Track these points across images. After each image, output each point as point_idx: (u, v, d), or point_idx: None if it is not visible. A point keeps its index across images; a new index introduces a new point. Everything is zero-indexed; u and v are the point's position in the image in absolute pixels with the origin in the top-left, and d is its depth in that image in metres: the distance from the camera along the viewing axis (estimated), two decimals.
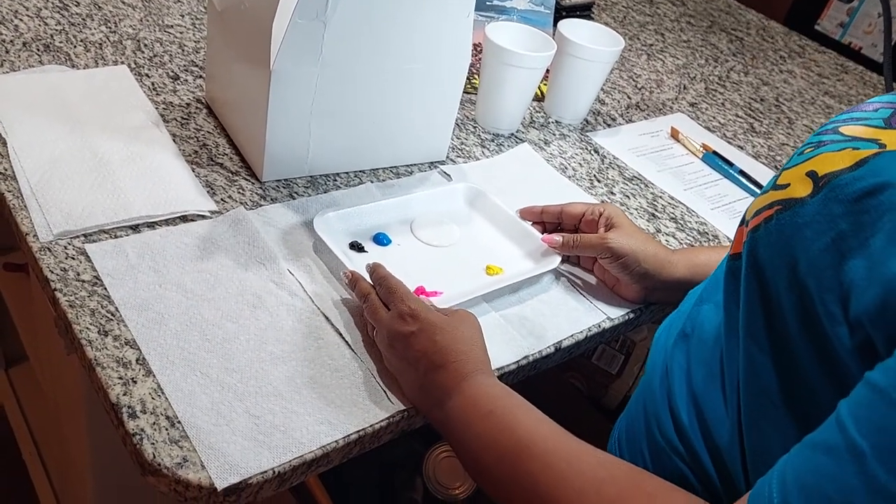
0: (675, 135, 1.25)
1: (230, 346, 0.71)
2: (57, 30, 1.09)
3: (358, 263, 0.82)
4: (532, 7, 1.31)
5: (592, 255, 0.87)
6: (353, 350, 0.74)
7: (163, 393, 0.66)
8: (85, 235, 0.78)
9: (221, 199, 0.88)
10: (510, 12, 1.29)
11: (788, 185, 0.56)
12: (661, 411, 0.66)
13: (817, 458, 0.46)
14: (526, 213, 0.93)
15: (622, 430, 0.73)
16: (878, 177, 0.50)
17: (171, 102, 1.01)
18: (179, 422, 0.64)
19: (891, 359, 0.44)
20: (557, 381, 1.29)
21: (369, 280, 0.76)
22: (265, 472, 0.62)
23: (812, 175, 0.54)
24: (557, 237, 0.88)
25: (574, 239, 0.87)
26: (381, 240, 0.88)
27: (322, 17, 0.81)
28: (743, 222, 0.62)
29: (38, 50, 1.04)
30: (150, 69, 1.06)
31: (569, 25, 1.14)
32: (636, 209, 1.05)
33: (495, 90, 1.09)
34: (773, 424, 0.55)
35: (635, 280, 0.85)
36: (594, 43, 1.12)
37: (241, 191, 0.90)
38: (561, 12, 1.42)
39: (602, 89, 1.33)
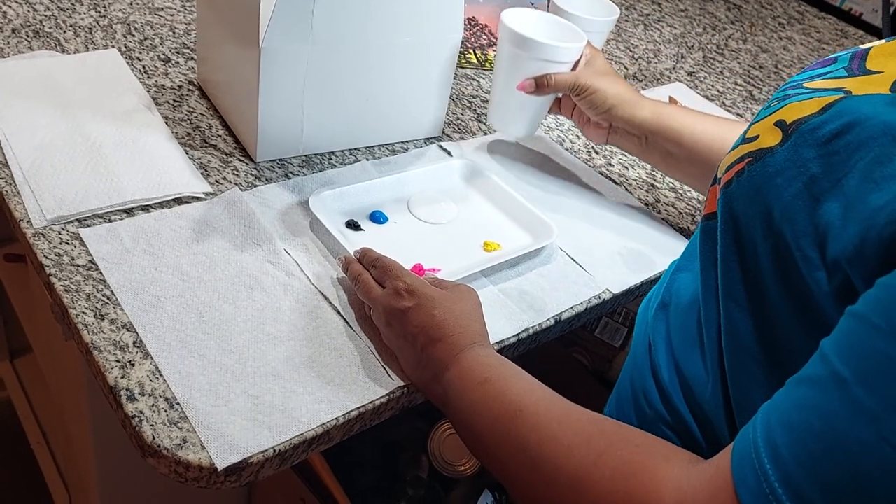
0: (673, 104, 1.23)
1: (227, 328, 0.71)
2: (46, 15, 1.08)
3: (354, 242, 0.82)
4: None
5: (564, 91, 0.91)
6: (351, 328, 0.74)
7: (161, 375, 0.65)
8: (79, 220, 0.78)
9: (216, 181, 0.87)
10: None
11: (757, 136, 0.56)
12: (647, 383, 0.66)
13: (800, 392, 0.46)
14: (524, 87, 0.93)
15: (612, 408, 0.73)
16: (844, 117, 0.50)
17: (162, 85, 1.00)
18: (178, 403, 0.63)
19: (872, 289, 0.44)
20: (561, 356, 1.29)
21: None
22: (265, 451, 0.62)
23: (780, 124, 0.54)
24: (529, 80, 0.91)
25: (547, 79, 0.90)
26: (377, 218, 0.87)
27: None
28: (715, 181, 0.61)
29: (28, 36, 1.03)
30: (140, 52, 1.05)
31: None
32: (635, 180, 1.04)
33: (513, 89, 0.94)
34: (756, 381, 0.55)
35: (601, 116, 0.90)
36: (589, 13, 1.10)
37: (235, 172, 0.89)
38: None
39: None
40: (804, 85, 0.58)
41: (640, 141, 0.91)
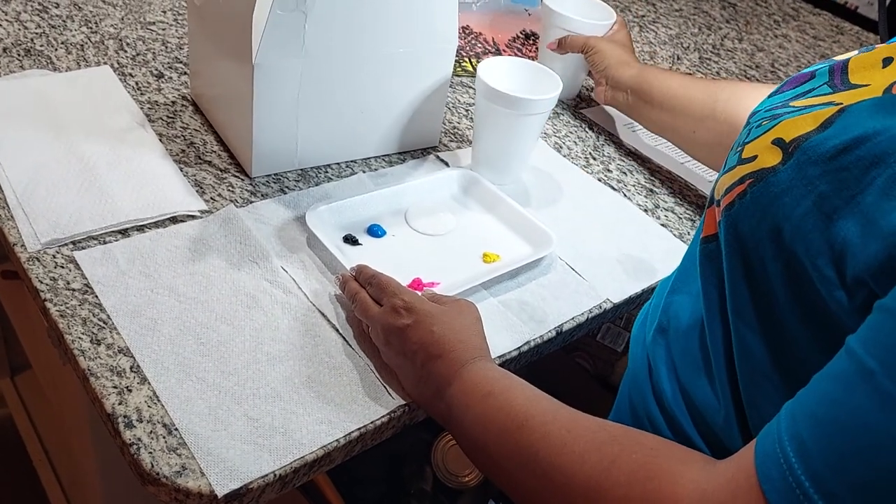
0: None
1: (225, 349, 0.70)
2: (37, 33, 1.07)
3: (352, 257, 0.81)
4: None
5: (576, 51, 1.08)
6: (350, 346, 0.73)
7: (159, 400, 0.65)
8: (73, 243, 0.77)
9: (211, 198, 0.86)
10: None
11: (755, 156, 0.55)
12: (650, 408, 0.65)
13: (826, 387, 0.45)
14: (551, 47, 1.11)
15: None
16: (850, 132, 0.49)
17: (156, 101, 0.99)
18: (177, 429, 0.63)
19: None
20: (564, 361, 1.28)
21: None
22: (266, 475, 0.61)
23: (779, 142, 0.53)
24: (554, 42, 1.10)
25: (564, 39, 1.09)
26: (375, 231, 0.86)
27: (302, 7, 0.80)
28: (712, 202, 0.60)
29: (19, 55, 1.02)
30: (133, 68, 1.04)
31: None
32: (633, 185, 1.03)
33: (497, 139, 0.94)
34: (774, 404, 0.54)
35: (599, 75, 1.07)
36: (583, 16, 1.10)
37: (230, 188, 0.88)
38: None
39: None
40: (791, 104, 0.57)
41: (625, 97, 1.03)
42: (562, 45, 1.09)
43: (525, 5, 1.24)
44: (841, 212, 0.48)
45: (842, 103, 0.51)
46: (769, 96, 0.63)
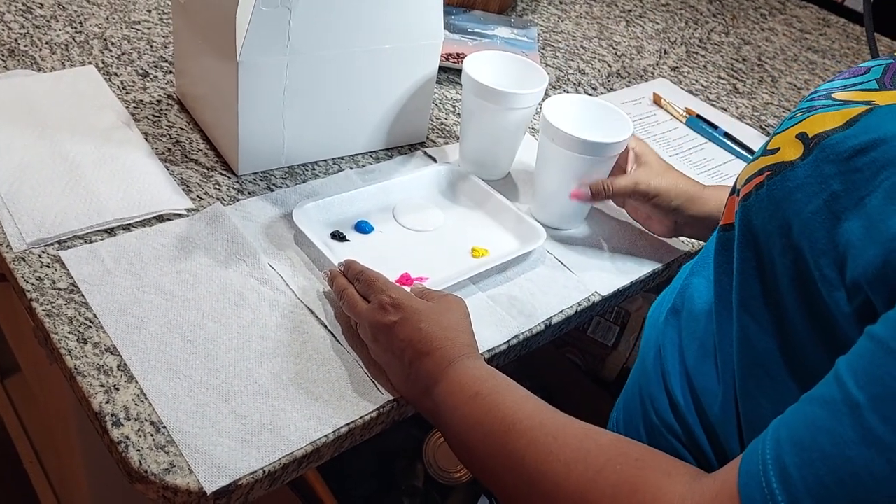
0: (657, 101, 1.23)
1: (213, 347, 0.70)
2: (21, 33, 1.06)
3: (340, 254, 0.81)
4: (515, 36, 1.28)
5: (625, 197, 0.87)
6: (338, 342, 0.73)
7: (146, 398, 0.64)
8: (59, 242, 0.77)
9: (197, 196, 0.86)
10: (493, 39, 1.26)
11: (778, 149, 0.55)
12: (655, 391, 0.65)
13: (812, 412, 0.45)
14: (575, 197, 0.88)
15: (619, 411, 0.73)
16: (870, 133, 0.48)
17: (141, 100, 0.99)
18: (164, 427, 0.62)
19: (892, 311, 0.43)
20: (554, 357, 1.29)
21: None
22: (255, 472, 0.61)
23: (802, 137, 0.53)
24: (584, 189, 0.86)
25: (605, 187, 0.85)
26: (362, 228, 0.86)
27: (287, 2, 0.79)
28: (734, 191, 0.60)
29: (3, 55, 1.01)
30: (118, 68, 1.04)
31: None
32: None
33: (489, 134, 0.93)
34: (768, 396, 0.54)
35: (666, 215, 0.87)
36: (594, 126, 0.90)
37: (217, 186, 0.88)
38: None
39: (582, 58, 1.31)
40: (832, 96, 0.56)
41: (708, 232, 0.83)
42: (601, 194, 0.85)
43: (522, 49, 1.23)
44: (848, 213, 0.47)
45: (875, 102, 0.51)
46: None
